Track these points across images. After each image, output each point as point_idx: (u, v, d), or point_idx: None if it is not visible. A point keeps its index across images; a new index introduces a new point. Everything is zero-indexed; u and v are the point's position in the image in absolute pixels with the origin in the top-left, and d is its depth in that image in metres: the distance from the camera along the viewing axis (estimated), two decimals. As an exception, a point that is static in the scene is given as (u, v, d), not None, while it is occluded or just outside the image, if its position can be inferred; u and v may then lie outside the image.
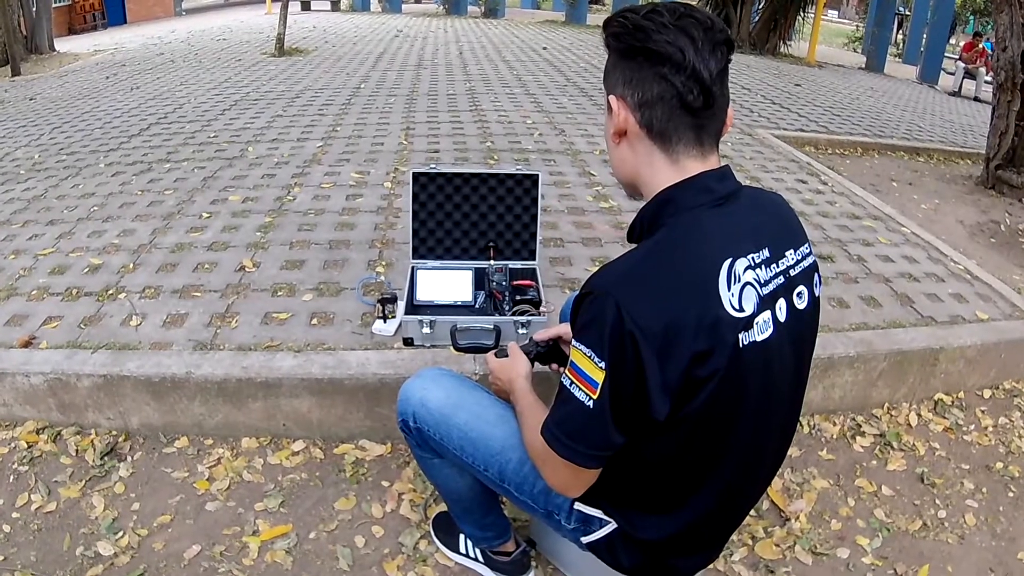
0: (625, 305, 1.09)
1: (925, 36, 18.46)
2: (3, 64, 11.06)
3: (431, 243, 2.98)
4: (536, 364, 1.72)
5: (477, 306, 2.90)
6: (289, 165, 4.94)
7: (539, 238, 3.02)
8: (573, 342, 1.20)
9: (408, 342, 2.74)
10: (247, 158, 5.13)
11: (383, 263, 3.44)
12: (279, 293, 3.17)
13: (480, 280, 2.93)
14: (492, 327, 2.65)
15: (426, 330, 2.67)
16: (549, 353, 1.84)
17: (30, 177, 4.98)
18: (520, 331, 2.70)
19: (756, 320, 1.17)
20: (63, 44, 14.65)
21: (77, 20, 20.43)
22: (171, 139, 5.77)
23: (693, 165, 1.22)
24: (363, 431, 2.75)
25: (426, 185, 2.92)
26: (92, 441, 2.69)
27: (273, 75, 8.90)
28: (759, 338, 1.17)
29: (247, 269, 3.38)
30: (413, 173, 2.90)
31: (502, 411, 1.62)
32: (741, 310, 1.14)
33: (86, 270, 3.44)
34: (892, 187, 5.50)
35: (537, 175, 2.95)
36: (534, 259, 3.02)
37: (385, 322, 2.83)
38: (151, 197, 4.38)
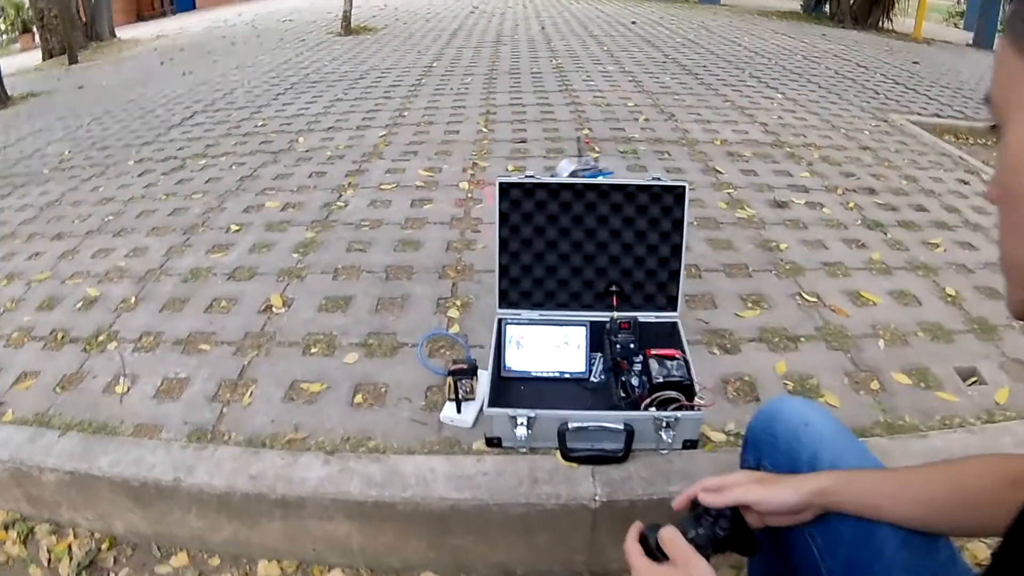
0: None
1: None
2: (62, 53, 10.66)
3: (526, 285, 2.07)
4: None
5: (594, 379, 1.98)
6: (344, 160, 4.12)
7: (682, 278, 2.05)
8: None
9: (494, 442, 1.83)
10: (295, 151, 4.34)
11: (457, 303, 2.54)
12: (312, 350, 2.32)
13: (597, 339, 2.01)
14: (622, 427, 1.71)
15: (521, 431, 1.75)
16: (732, 535, 1.05)
17: (51, 179, 4.39)
18: (664, 434, 1.75)
19: None
20: (128, 32, 14.36)
21: (145, 7, 20.25)
22: (213, 129, 5.05)
23: None
24: (426, 562, 1.88)
25: (519, 202, 2.00)
26: (70, 546, 2.04)
27: (337, 55, 8.15)
28: None
29: (274, 309, 2.55)
30: (500, 184, 1.98)
31: None
32: None
33: (79, 305, 2.72)
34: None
35: (683, 188, 2.00)
36: (675, 309, 2.06)
37: (460, 407, 1.93)
38: (175, 203, 3.64)
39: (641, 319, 2.03)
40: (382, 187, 3.65)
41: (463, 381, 1.94)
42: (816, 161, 4.11)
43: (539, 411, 1.75)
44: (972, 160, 4.38)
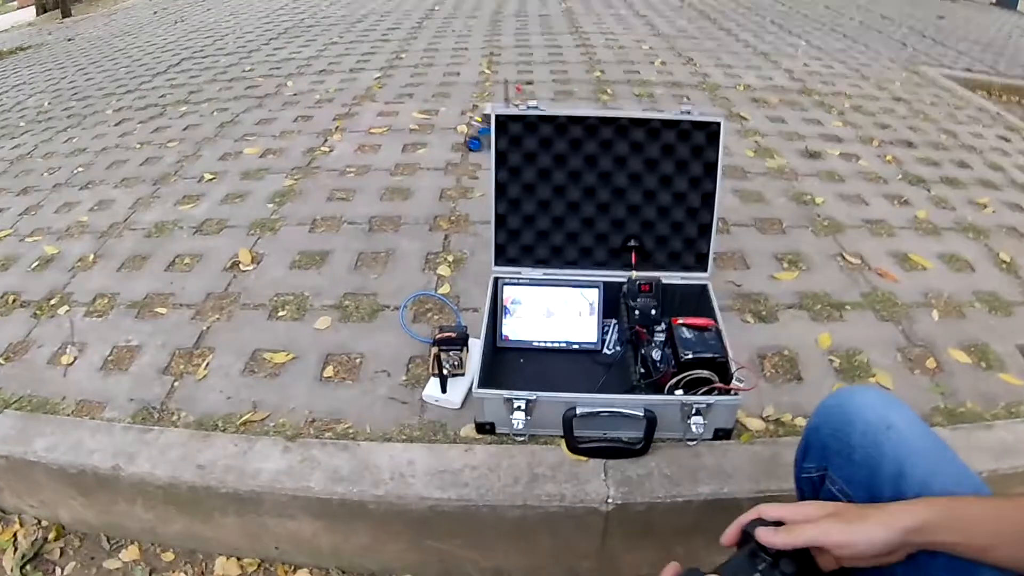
0: None
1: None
2: (56, 8, 10.23)
3: (528, 239, 1.72)
4: None
5: (607, 352, 1.65)
6: (333, 103, 3.75)
7: (715, 232, 1.70)
8: None
9: (486, 429, 1.50)
10: (282, 95, 3.97)
11: (448, 259, 2.20)
12: (280, 313, 2.00)
13: (612, 304, 1.67)
14: (641, 413, 1.38)
15: (519, 416, 1.42)
16: None
17: (28, 131, 4.05)
18: (693, 422, 1.42)
19: None
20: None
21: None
22: (198, 76, 4.67)
23: None
24: (407, 565, 1.58)
25: (520, 139, 1.64)
26: (15, 535, 1.78)
27: None
28: None
29: (242, 266, 2.23)
30: (497, 116, 1.62)
31: None
32: None
33: (35, 264, 2.42)
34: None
35: (717, 124, 1.64)
36: (705, 270, 1.72)
37: (445, 386, 1.60)
38: (149, 152, 3.30)
39: (665, 280, 1.69)
40: (372, 131, 3.28)
41: (450, 353, 1.61)
42: (848, 111, 3.72)
43: (540, 394, 1.42)
44: (1010, 117, 4.02)
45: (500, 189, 1.68)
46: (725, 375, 1.46)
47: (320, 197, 2.66)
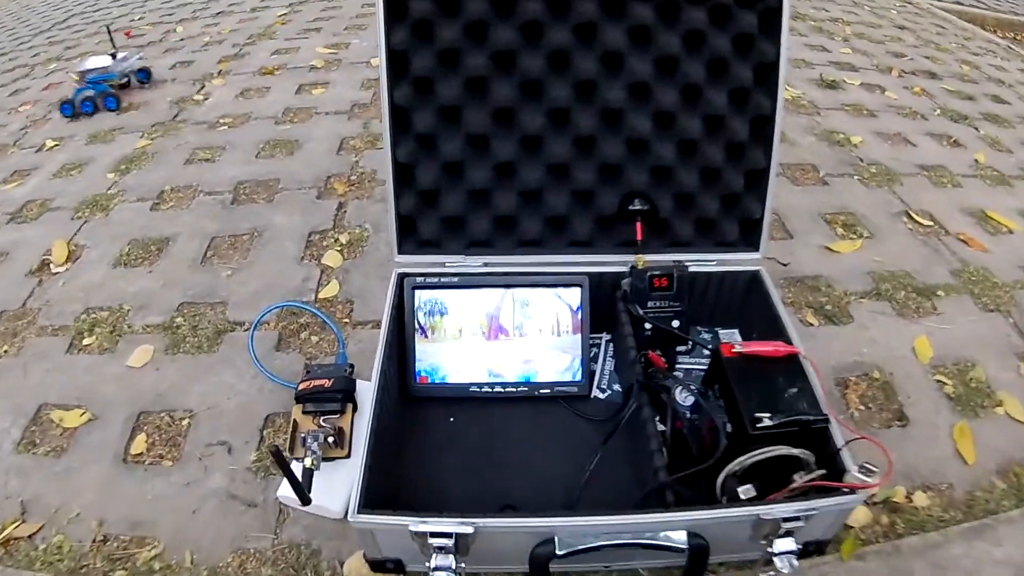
0: None
1: None
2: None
3: (453, 205, 0.95)
4: None
5: (600, 393, 0.92)
6: (223, 44, 2.89)
7: (773, 180, 0.96)
8: None
9: (387, 567, 0.75)
10: (167, 43, 3.10)
11: (341, 240, 1.43)
12: (87, 340, 1.25)
13: (603, 309, 0.93)
14: (683, 543, 0.65)
15: (444, 559, 0.66)
16: None
17: None
18: (779, 548, 0.70)
19: None
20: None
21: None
22: (81, 31, 3.78)
23: None
24: None
25: (429, 24, 0.86)
26: None
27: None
28: None
29: (53, 267, 1.45)
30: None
31: None
32: None
33: None
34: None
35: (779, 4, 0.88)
36: (756, 247, 0.98)
37: (311, 480, 0.82)
38: (-3, 119, 2.41)
39: (692, 266, 0.95)
40: (262, 72, 2.45)
41: (320, 419, 0.85)
42: (851, 37, 3.05)
43: (483, 522, 0.67)
44: (1022, 51, 3.47)
45: (400, 118, 0.91)
46: (822, 448, 0.74)
47: (177, 159, 1.85)
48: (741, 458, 0.74)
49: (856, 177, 1.73)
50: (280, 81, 2.31)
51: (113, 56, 2.34)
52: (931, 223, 1.57)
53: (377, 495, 0.72)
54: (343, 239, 1.41)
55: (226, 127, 2.01)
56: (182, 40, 3.13)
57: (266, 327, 1.19)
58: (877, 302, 1.29)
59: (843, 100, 2.25)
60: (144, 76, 2.41)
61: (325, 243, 1.41)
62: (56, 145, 2.11)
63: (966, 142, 2.06)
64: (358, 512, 0.68)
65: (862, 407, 1.07)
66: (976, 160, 1.94)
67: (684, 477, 0.75)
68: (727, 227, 0.99)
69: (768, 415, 0.74)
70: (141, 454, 1.02)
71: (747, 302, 1.01)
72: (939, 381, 1.14)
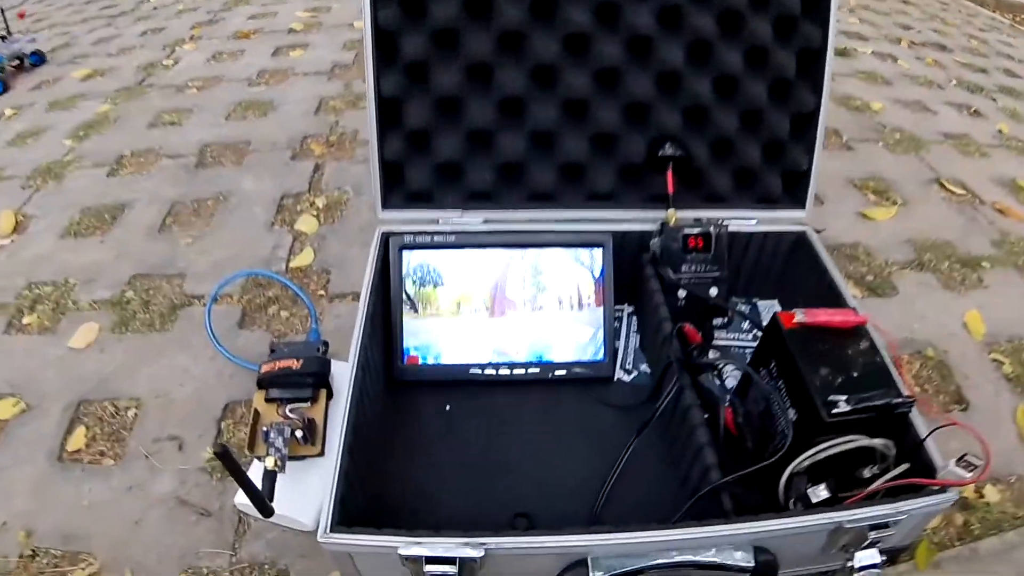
0: None
1: None
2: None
3: (448, 150, 0.79)
4: None
5: (624, 375, 0.75)
6: (198, 11, 2.70)
7: (822, 130, 0.81)
8: None
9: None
10: (140, 11, 2.89)
11: (316, 204, 1.27)
12: (26, 318, 1.09)
13: (628, 274, 0.77)
14: (750, 561, 0.49)
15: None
16: None
17: None
18: (861, 560, 0.54)
19: None
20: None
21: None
22: (54, 3, 3.52)
23: None
24: None
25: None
26: None
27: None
28: None
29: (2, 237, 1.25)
30: None
31: None
32: None
33: None
34: None
35: None
36: (802, 204, 0.83)
37: (273, 485, 0.66)
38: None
39: (733, 226, 0.80)
40: (237, 36, 2.26)
41: (287, 409, 0.69)
42: (856, 8, 2.92)
43: (494, 539, 0.51)
44: None
45: (385, 43, 0.75)
46: (900, 436, 0.60)
47: (140, 124, 1.68)
48: (810, 451, 0.59)
49: (880, 143, 1.60)
50: (255, 45, 2.14)
51: (3, 39, 2.18)
52: (964, 192, 1.44)
53: (356, 507, 0.56)
54: (319, 203, 1.25)
55: (195, 90, 1.83)
56: (155, 8, 2.94)
57: (228, 301, 1.03)
58: (921, 273, 1.15)
59: (856, 67, 2.13)
60: (36, 59, 2.25)
61: (299, 207, 1.25)
62: (14, 114, 1.93)
63: (987, 113, 1.94)
64: (331, 531, 0.52)
65: (918, 388, 0.93)
66: (1000, 130, 1.83)
67: (741, 478, 0.60)
68: (770, 180, 0.84)
69: (844, 398, 0.59)
70: (79, 451, 0.86)
71: (789, 269, 0.86)
72: (996, 360, 1.01)
